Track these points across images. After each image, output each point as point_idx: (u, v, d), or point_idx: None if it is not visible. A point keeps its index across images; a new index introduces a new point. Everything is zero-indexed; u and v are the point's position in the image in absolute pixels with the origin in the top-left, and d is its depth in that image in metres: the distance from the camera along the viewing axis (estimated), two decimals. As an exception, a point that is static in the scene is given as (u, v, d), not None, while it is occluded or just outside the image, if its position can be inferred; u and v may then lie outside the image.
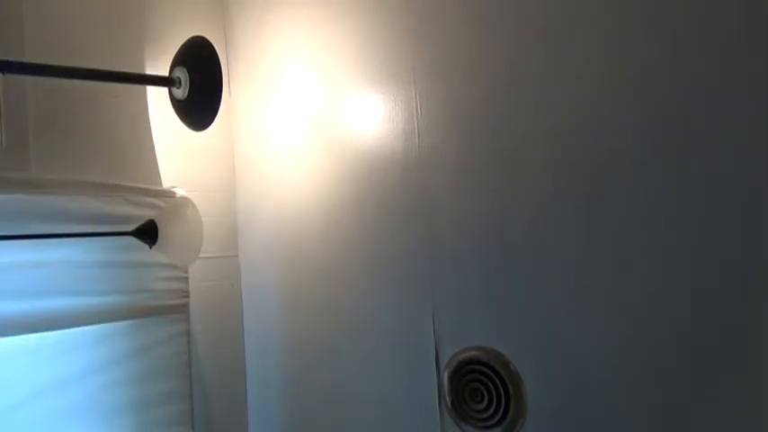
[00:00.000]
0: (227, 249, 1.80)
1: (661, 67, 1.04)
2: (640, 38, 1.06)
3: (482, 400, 1.24)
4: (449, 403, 1.30)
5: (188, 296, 1.62)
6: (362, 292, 1.50)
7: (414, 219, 1.38)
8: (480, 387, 1.25)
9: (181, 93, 1.49)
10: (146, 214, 1.46)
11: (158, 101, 1.62)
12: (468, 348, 1.28)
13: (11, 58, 1.33)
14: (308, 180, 1.63)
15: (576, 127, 1.14)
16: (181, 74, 1.48)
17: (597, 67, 1.11)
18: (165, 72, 1.55)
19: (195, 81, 1.47)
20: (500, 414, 1.21)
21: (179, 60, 1.51)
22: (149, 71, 1.64)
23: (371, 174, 1.47)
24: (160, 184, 1.62)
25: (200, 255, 1.51)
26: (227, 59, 1.86)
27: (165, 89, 1.54)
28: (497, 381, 1.22)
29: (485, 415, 1.24)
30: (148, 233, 1.42)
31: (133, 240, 1.42)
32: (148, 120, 1.63)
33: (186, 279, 1.62)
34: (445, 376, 1.31)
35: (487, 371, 1.23)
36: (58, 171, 1.43)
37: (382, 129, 1.45)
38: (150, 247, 1.43)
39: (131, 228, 1.42)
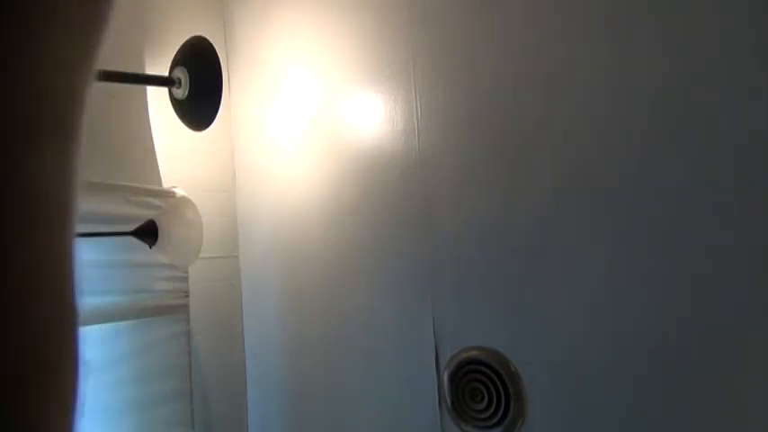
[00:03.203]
0: (227, 249, 1.80)
1: (668, 72, 1.04)
2: (648, 41, 1.06)
3: (482, 400, 1.24)
4: (449, 403, 1.30)
5: (188, 296, 1.62)
6: (362, 291, 1.50)
7: (413, 219, 1.38)
8: (480, 387, 1.25)
9: (181, 93, 1.49)
10: (146, 214, 1.46)
11: (158, 101, 1.62)
12: (468, 348, 1.28)
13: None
14: (307, 180, 1.63)
15: (580, 128, 1.14)
16: (181, 74, 1.48)
17: (602, 69, 1.11)
18: (165, 72, 1.55)
19: (195, 81, 1.47)
20: (500, 414, 1.21)
21: (179, 60, 1.51)
22: (149, 71, 1.64)
23: (371, 174, 1.47)
24: (160, 184, 1.62)
25: (201, 255, 1.51)
26: (227, 59, 1.86)
27: (165, 89, 1.54)
28: (497, 381, 1.22)
29: (485, 415, 1.24)
30: (148, 233, 1.42)
31: (133, 240, 1.42)
32: (148, 120, 1.63)
33: (186, 279, 1.62)
34: (445, 376, 1.31)
35: (487, 371, 1.23)
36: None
37: (382, 129, 1.45)
38: (150, 247, 1.43)
39: (131, 228, 1.42)
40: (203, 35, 1.54)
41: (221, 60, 1.51)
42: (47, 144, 0.22)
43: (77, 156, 0.24)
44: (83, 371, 0.23)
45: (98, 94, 1.57)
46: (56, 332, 0.22)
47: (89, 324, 1.41)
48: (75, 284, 0.23)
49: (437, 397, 1.33)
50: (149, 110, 1.63)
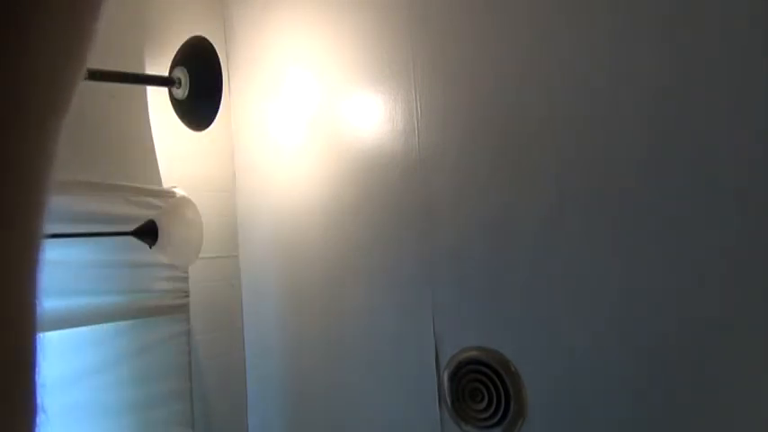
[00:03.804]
0: (227, 249, 1.80)
1: (669, 73, 1.04)
2: (649, 42, 1.06)
3: (482, 399, 1.24)
4: (449, 403, 1.30)
5: (188, 296, 1.62)
6: (362, 291, 1.50)
7: (413, 219, 1.38)
8: (480, 387, 1.25)
9: (181, 93, 1.49)
10: (146, 214, 1.46)
11: (158, 101, 1.62)
12: (468, 348, 1.28)
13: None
14: (307, 180, 1.63)
15: (581, 128, 1.14)
16: (181, 74, 1.48)
17: (603, 69, 1.11)
18: (165, 72, 1.55)
19: (195, 81, 1.47)
20: (500, 414, 1.21)
21: (179, 60, 1.51)
22: (149, 71, 1.64)
23: (371, 174, 1.47)
24: (160, 183, 1.62)
25: (201, 255, 1.51)
26: (227, 59, 1.85)
27: (165, 89, 1.54)
28: (497, 381, 1.22)
29: (485, 415, 1.24)
30: (148, 233, 1.41)
31: (133, 240, 1.42)
32: (148, 120, 1.62)
33: (186, 279, 1.62)
34: (445, 376, 1.31)
35: (487, 371, 1.23)
36: (59, 171, 1.43)
37: (382, 129, 1.45)
38: (150, 247, 1.43)
39: (131, 228, 1.42)
40: (203, 35, 1.54)
41: (221, 60, 1.51)
42: (27, 131, 0.20)
43: (54, 151, 0.22)
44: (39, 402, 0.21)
45: (98, 94, 1.57)
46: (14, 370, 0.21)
47: (89, 324, 1.42)
48: (37, 293, 0.21)
49: (437, 397, 1.33)
50: (149, 110, 1.63)
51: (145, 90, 1.63)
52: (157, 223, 1.42)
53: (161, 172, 1.63)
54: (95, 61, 1.50)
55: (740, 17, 0.96)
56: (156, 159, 1.63)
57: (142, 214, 1.46)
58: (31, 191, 0.21)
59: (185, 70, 1.48)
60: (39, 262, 0.22)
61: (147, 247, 1.43)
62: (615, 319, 1.08)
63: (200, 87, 1.48)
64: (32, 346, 0.21)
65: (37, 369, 0.21)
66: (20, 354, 0.21)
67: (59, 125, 0.22)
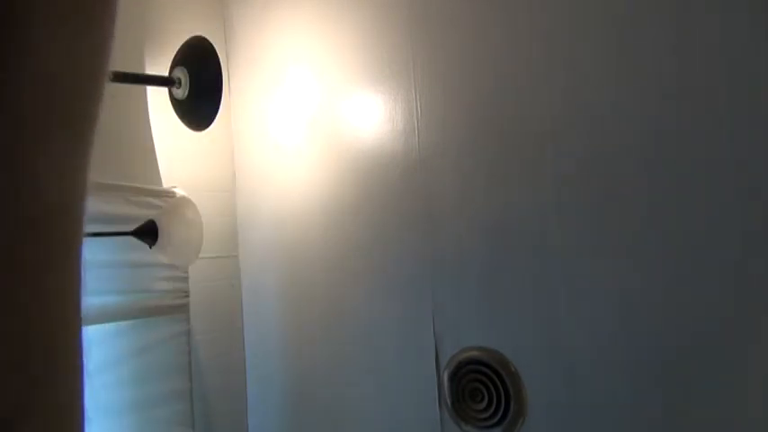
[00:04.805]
0: (227, 249, 1.80)
1: (669, 72, 1.04)
2: (650, 41, 1.06)
3: (482, 399, 1.24)
4: (449, 403, 1.30)
5: (188, 296, 1.62)
6: (362, 292, 1.50)
7: (414, 219, 1.38)
8: (480, 387, 1.25)
9: (181, 93, 1.49)
10: (146, 214, 1.46)
11: (158, 101, 1.62)
12: (468, 348, 1.28)
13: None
14: (308, 180, 1.63)
15: (581, 128, 1.14)
16: (181, 74, 1.48)
17: (604, 68, 1.11)
18: (165, 72, 1.55)
19: (195, 81, 1.47)
20: (500, 414, 1.21)
21: (179, 60, 1.51)
22: (149, 71, 1.63)
23: (371, 174, 1.47)
24: (160, 184, 1.62)
25: (200, 255, 1.51)
26: (227, 59, 1.85)
27: (165, 89, 1.54)
28: (497, 381, 1.22)
29: (485, 415, 1.24)
30: (148, 233, 1.41)
31: (133, 240, 1.42)
32: (148, 120, 1.62)
33: (186, 279, 1.62)
34: (445, 376, 1.31)
35: (487, 371, 1.23)
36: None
37: (382, 129, 1.45)
38: (150, 247, 1.43)
39: (131, 228, 1.42)
40: (203, 35, 1.54)
41: (221, 60, 1.51)
42: (54, 143, 0.21)
43: (88, 156, 0.22)
44: (85, 374, 0.22)
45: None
46: (63, 348, 0.22)
47: (89, 324, 1.42)
48: (80, 298, 0.23)
49: (437, 397, 1.33)
50: (149, 110, 1.63)
51: (145, 90, 1.62)
52: (157, 223, 1.42)
53: (161, 172, 1.63)
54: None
55: (740, 17, 0.96)
56: (156, 159, 1.63)
57: (142, 214, 1.46)
58: (64, 192, 0.21)
59: (185, 70, 1.48)
60: (80, 262, 0.22)
61: (147, 247, 1.43)
62: (616, 320, 1.09)
63: (200, 87, 1.48)
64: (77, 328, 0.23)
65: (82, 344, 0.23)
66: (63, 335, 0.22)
67: (80, 133, 0.22)
